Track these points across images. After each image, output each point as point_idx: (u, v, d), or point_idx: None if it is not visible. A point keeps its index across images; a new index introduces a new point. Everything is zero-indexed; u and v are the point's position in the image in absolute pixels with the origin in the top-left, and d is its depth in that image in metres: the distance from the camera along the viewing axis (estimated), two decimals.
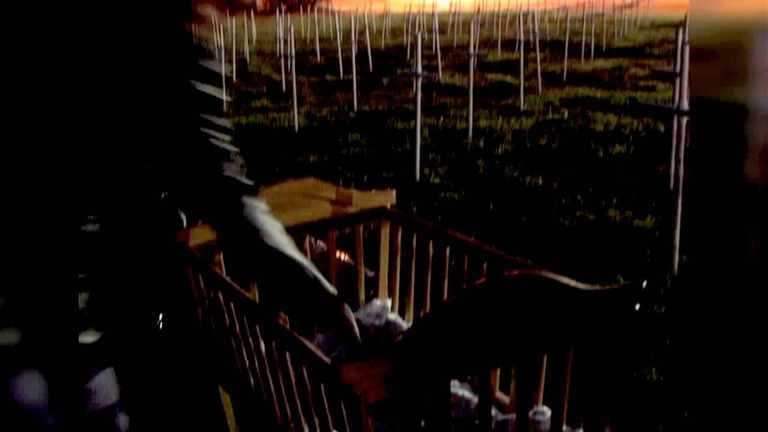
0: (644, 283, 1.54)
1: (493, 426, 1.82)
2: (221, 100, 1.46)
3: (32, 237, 1.29)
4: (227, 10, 1.28)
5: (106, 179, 1.33)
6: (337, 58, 14.73)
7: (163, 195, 1.59)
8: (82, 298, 1.37)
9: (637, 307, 1.52)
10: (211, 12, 1.26)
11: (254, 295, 2.13)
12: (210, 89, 1.42)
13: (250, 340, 1.89)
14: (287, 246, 1.51)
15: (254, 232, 1.49)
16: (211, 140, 1.46)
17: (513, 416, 1.84)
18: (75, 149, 1.26)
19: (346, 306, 1.53)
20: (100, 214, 1.36)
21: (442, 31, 18.99)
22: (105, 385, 1.46)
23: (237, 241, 1.52)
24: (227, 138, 1.48)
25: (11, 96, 1.22)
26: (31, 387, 1.33)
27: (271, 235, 1.50)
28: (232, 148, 1.50)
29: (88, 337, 1.39)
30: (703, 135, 1.44)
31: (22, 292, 1.31)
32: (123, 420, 1.50)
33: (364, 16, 20.19)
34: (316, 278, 1.51)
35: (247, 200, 1.50)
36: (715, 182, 1.45)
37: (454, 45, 19.64)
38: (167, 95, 1.34)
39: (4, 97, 1.22)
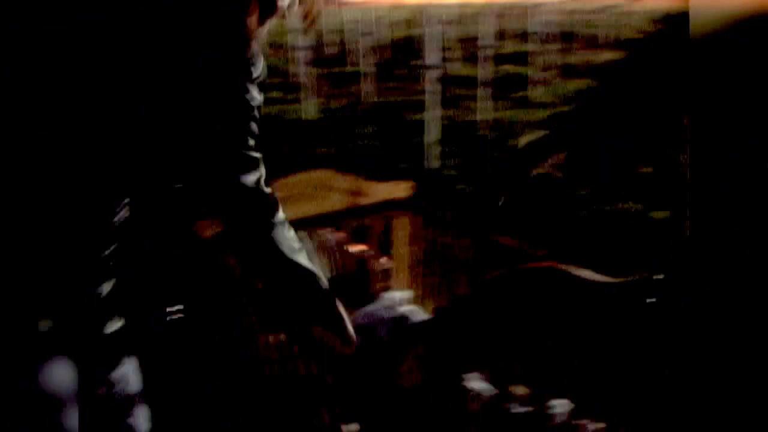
0: (658, 277, 1.54)
1: (508, 418, 1.81)
2: (255, 107, 1.49)
3: (62, 226, 1.30)
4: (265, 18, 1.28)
5: (126, 172, 1.34)
6: (350, 50, 14.68)
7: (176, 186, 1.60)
8: (107, 287, 1.38)
9: (652, 300, 1.52)
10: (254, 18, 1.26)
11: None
12: (248, 95, 1.47)
13: (262, 331, 1.89)
14: (298, 254, 1.56)
15: (274, 244, 1.54)
16: (243, 149, 1.51)
17: (529, 408, 1.84)
18: (77, 147, 1.26)
19: (341, 306, 1.56)
20: (127, 205, 1.38)
21: (455, 22, 18.90)
22: (128, 375, 1.47)
23: (257, 251, 1.57)
24: (255, 144, 1.52)
25: (11, 96, 1.22)
26: (60, 374, 1.34)
27: (286, 243, 1.55)
28: (258, 155, 1.54)
29: (112, 325, 1.41)
30: (704, 131, 1.44)
31: (52, 280, 1.32)
32: (143, 410, 1.51)
33: (377, 7, 20.11)
34: (320, 284, 1.55)
35: (277, 218, 1.55)
36: (717, 179, 1.45)
37: (467, 37, 19.57)
38: (207, 100, 1.36)
39: (4, 97, 1.22)
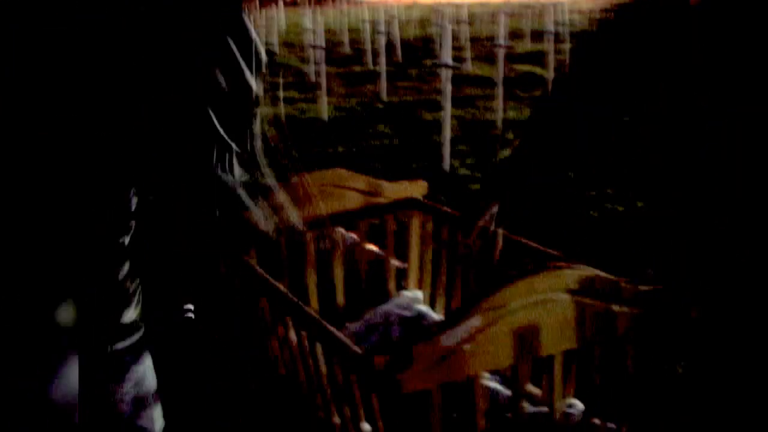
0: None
1: (524, 418, 1.81)
2: (252, 95, 1.48)
3: (67, 220, 1.30)
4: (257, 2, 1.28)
5: (125, 172, 1.34)
6: (365, 49, 14.70)
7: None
8: (124, 271, 1.39)
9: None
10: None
11: (286, 286, 2.14)
12: (245, 83, 1.45)
13: (281, 330, 1.90)
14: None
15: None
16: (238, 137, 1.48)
17: (544, 408, 1.84)
18: (77, 147, 1.26)
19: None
20: (133, 201, 1.38)
21: (470, 21, 18.87)
22: (146, 373, 1.48)
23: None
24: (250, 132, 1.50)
25: (11, 95, 1.23)
26: (73, 373, 1.34)
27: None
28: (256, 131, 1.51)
29: (129, 314, 1.42)
30: (708, 132, 1.44)
31: (69, 267, 1.32)
32: (157, 409, 1.52)
33: (391, 7, 20.10)
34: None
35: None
36: (720, 179, 1.44)
37: (483, 36, 19.53)
38: (217, 85, 1.35)
39: (4, 97, 1.23)
